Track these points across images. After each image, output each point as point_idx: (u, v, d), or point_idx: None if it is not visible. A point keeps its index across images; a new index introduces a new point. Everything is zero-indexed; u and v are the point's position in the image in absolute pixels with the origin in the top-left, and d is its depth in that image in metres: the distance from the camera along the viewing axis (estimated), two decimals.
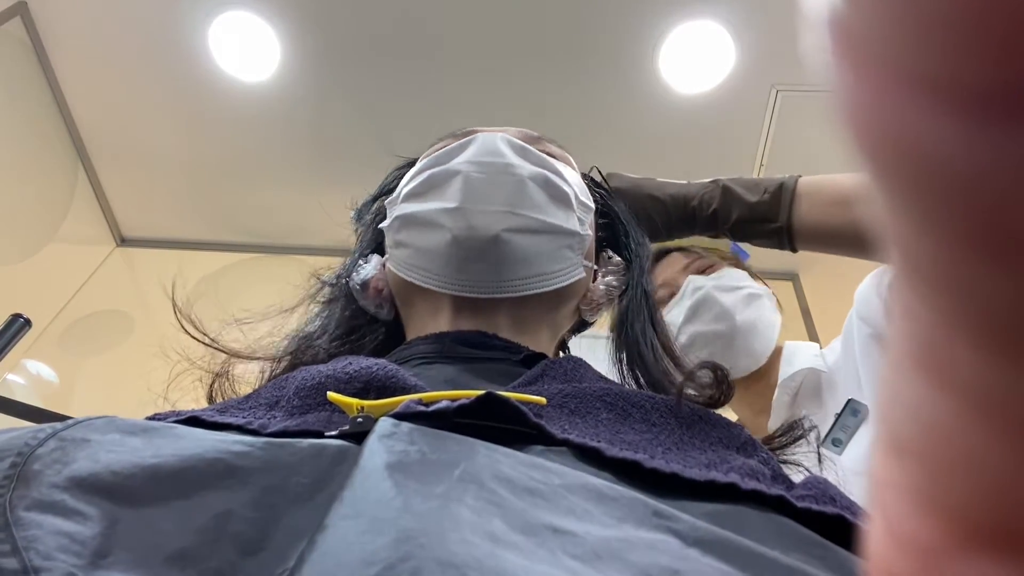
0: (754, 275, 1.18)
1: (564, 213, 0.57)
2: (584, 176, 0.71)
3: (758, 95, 2.03)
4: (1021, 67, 0.07)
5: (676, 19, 1.93)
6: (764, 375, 1.12)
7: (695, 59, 1.98)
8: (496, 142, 0.57)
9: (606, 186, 0.74)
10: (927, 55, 0.08)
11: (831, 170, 0.76)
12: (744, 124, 2.09)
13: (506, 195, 0.54)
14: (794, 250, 0.79)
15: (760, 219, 0.78)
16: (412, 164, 0.70)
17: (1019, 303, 0.08)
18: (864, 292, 0.99)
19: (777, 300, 1.18)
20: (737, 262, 1.19)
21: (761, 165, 2.14)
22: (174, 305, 0.59)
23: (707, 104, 2.06)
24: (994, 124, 0.08)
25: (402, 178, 0.69)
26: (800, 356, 1.10)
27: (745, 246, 0.94)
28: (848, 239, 0.75)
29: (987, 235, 0.08)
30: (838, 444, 0.95)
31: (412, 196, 0.58)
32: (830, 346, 1.12)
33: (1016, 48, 0.07)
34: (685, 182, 0.83)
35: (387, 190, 0.69)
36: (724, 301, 1.09)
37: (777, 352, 1.13)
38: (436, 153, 0.59)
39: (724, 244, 1.19)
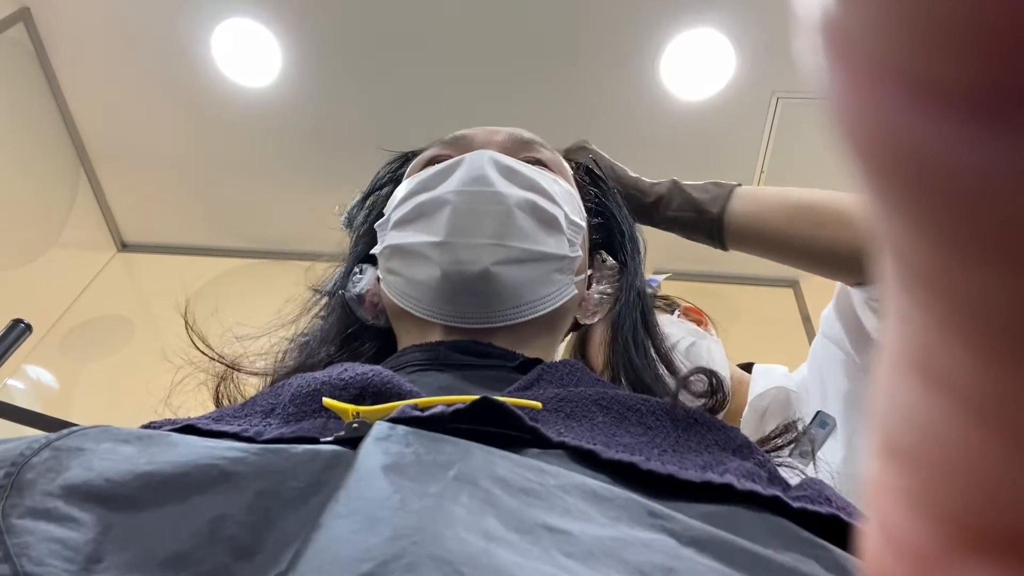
0: (674, 305, 1.18)
1: (553, 238, 0.56)
2: (578, 168, 0.70)
3: (759, 102, 2.03)
4: (1016, 69, 0.07)
5: (677, 27, 1.93)
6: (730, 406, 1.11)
7: (696, 67, 1.98)
8: (483, 166, 0.56)
9: (603, 182, 0.73)
10: (921, 56, 0.08)
11: (831, 176, 0.77)
12: (745, 131, 2.09)
13: (493, 226, 0.54)
14: (725, 248, 0.81)
15: (694, 209, 0.80)
16: (401, 159, 0.70)
17: (1015, 306, 0.08)
18: (829, 314, 1.00)
19: (713, 323, 1.17)
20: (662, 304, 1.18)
21: (761, 172, 2.14)
22: (187, 325, 0.59)
23: (708, 111, 2.06)
24: (990, 127, 0.08)
25: (391, 176, 0.69)
26: (769, 376, 1.11)
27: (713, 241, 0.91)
28: (778, 242, 0.77)
29: (982, 239, 0.08)
30: (804, 456, 0.95)
31: (401, 224, 0.58)
32: (798, 369, 1.12)
33: (1012, 50, 0.07)
34: (637, 176, 0.84)
35: (378, 187, 0.70)
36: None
37: (735, 382, 1.12)
38: (424, 176, 0.59)
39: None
